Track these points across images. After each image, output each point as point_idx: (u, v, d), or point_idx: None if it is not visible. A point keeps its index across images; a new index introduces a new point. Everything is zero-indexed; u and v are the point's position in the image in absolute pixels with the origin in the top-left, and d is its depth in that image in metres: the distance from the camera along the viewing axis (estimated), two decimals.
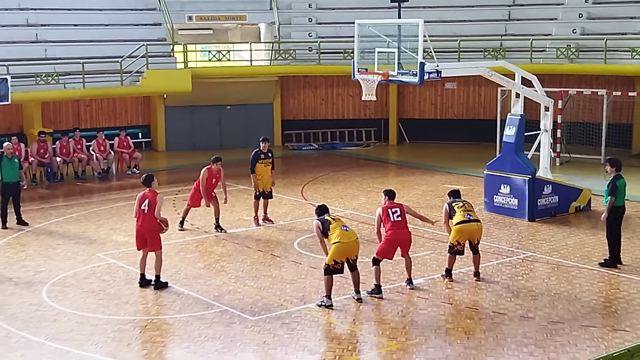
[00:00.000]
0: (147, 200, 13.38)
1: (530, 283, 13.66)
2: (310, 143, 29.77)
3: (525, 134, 18.58)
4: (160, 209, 13.44)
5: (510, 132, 18.19)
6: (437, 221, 14.45)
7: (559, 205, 18.26)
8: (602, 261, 14.51)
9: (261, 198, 17.64)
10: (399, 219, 12.93)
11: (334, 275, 12.43)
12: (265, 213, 17.81)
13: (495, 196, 18.43)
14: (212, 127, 29.05)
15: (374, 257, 13.06)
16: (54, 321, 12.09)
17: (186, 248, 16.02)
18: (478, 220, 13.66)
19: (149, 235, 13.46)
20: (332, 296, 12.41)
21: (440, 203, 19.68)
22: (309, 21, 29.67)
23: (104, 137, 24.41)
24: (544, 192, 18.05)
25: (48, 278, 14.13)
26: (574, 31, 27.25)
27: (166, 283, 13.57)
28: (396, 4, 26.63)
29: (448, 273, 13.74)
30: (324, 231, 12.42)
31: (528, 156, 18.65)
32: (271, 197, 17.85)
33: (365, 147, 29.51)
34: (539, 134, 19.22)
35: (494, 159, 19.04)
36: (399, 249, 13.12)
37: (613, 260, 14.40)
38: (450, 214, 13.62)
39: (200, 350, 10.95)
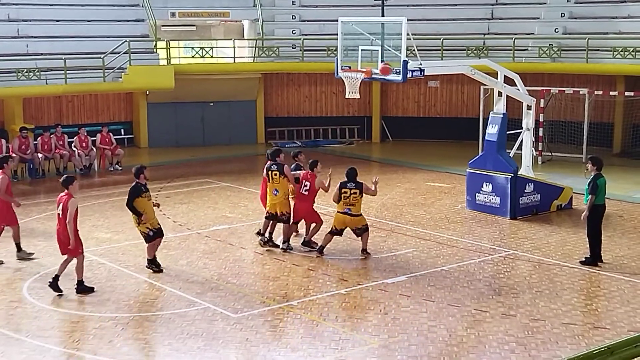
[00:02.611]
0: (61, 205, 12.90)
1: (511, 281, 13.73)
2: (293, 140, 29.72)
3: (508, 132, 18.64)
4: (72, 215, 12.69)
5: (492, 130, 18.26)
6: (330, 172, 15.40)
7: (540, 204, 18.35)
8: (583, 259, 14.60)
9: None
10: (306, 193, 15.05)
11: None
12: None
13: (477, 194, 18.48)
14: (195, 124, 28.92)
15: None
16: (34, 318, 12.03)
17: (169, 245, 15.94)
18: (357, 215, 14.65)
19: (64, 240, 12.87)
20: (290, 241, 15.03)
21: (423, 201, 19.86)
22: (293, 18, 29.62)
23: (85, 134, 24.27)
24: (525, 191, 18.13)
25: (29, 275, 14.05)
26: (556, 30, 27.37)
27: (92, 288, 13.09)
28: (380, 2, 26.58)
29: (321, 250, 14.86)
30: (267, 175, 15.04)
31: (510, 154, 18.72)
32: None
33: (348, 144, 29.50)
34: (521, 132, 19.31)
35: (477, 157, 19.08)
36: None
37: (594, 259, 14.49)
38: (338, 196, 14.64)
39: (182, 348, 10.93)
